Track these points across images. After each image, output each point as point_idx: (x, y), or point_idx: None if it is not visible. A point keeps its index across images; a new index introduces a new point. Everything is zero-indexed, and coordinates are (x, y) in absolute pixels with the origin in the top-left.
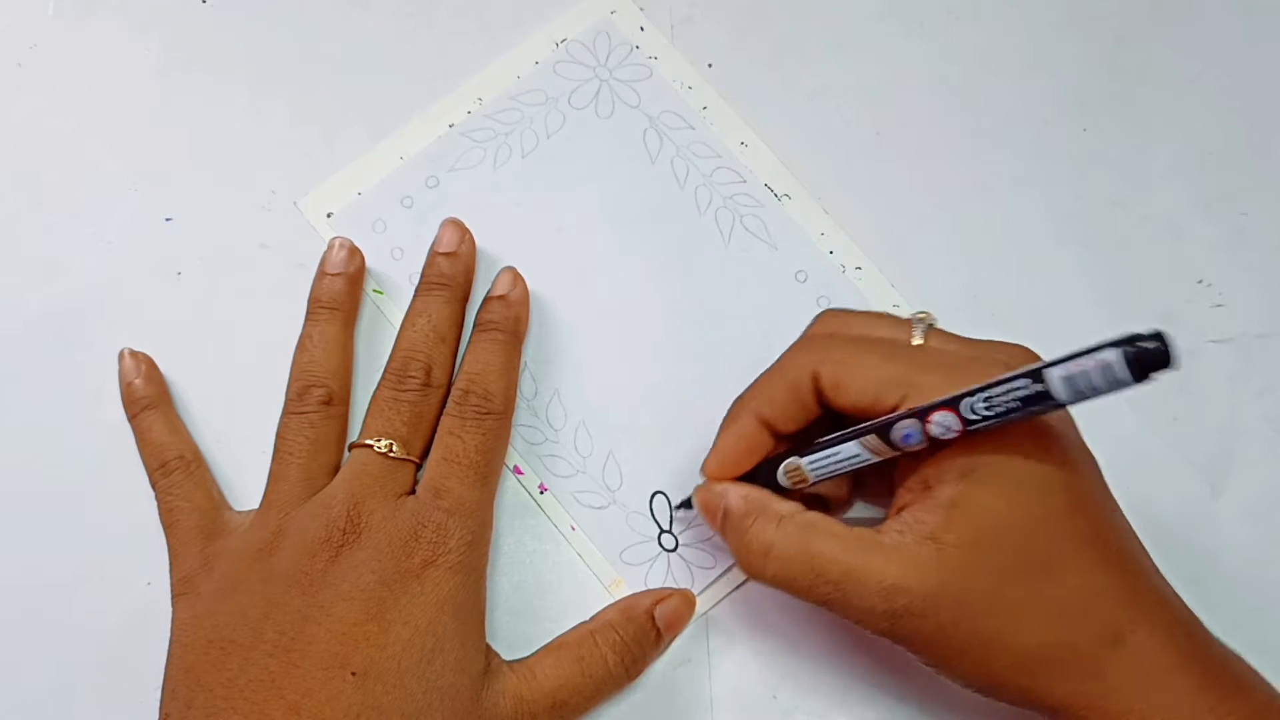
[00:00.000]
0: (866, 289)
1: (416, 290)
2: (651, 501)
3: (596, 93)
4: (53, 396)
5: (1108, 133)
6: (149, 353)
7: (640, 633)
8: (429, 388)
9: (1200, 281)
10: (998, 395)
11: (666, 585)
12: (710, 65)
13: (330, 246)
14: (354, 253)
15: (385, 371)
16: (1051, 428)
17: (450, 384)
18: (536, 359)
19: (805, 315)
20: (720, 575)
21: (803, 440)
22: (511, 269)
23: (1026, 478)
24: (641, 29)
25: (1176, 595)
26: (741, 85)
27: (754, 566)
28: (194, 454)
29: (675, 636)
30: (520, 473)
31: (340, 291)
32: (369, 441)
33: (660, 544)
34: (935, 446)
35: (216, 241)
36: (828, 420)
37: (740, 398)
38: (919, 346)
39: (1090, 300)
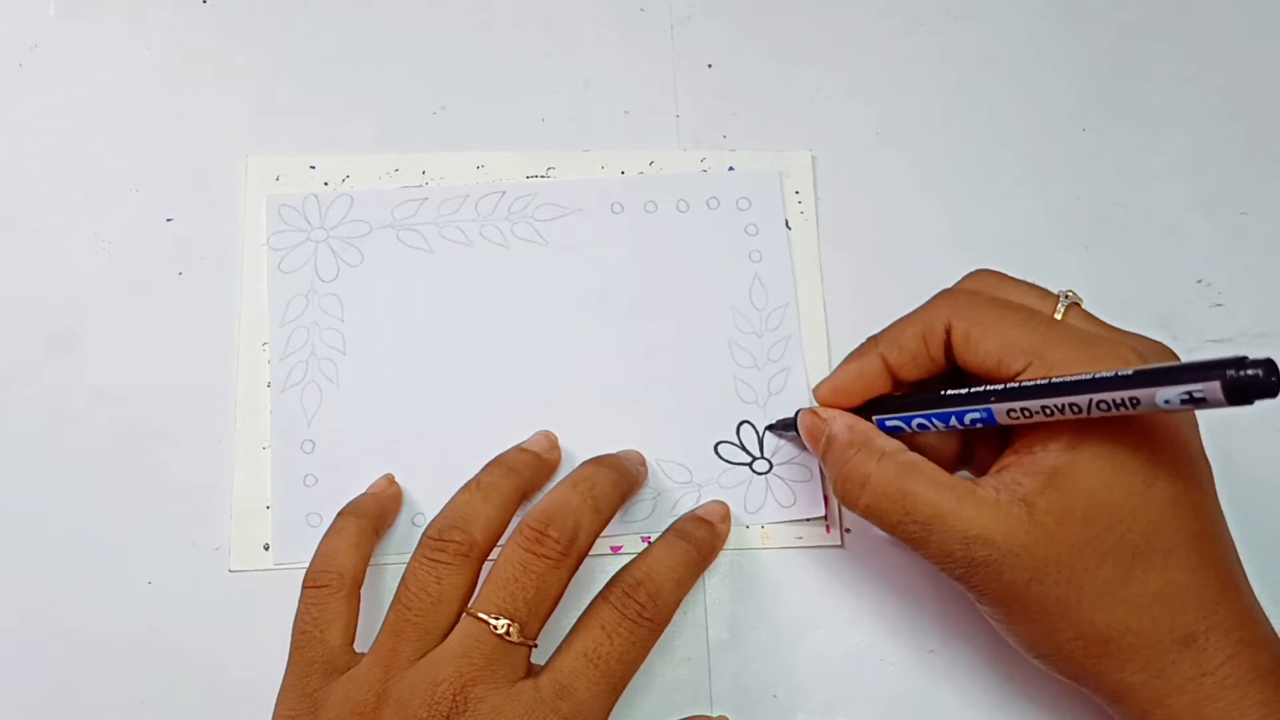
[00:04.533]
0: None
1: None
2: (718, 451)
3: (335, 251)
4: (52, 397)
5: (1108, 133)
6: (149, 352)
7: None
8: (567, 557)
9: (1200, 281)
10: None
11: (795, 501)
12: (710, 65)
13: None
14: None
15: (521, 524)
16: (1171, 423)
17: (583, 555)
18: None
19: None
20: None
21: (920, 389)
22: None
23: (1133, 464)
24: (312, 167)
25: (1263, 614)
26: (739, 85)
27: (850, 495)
28: (354, 578)
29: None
30: (619, 550)
31: (524, 462)
32: (486, 618)
33: (754, 470)
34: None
35: (216, 241)
36: (949, 379)
37: (873, 335)
38: (1057, 321)
39: (1090, 300)
